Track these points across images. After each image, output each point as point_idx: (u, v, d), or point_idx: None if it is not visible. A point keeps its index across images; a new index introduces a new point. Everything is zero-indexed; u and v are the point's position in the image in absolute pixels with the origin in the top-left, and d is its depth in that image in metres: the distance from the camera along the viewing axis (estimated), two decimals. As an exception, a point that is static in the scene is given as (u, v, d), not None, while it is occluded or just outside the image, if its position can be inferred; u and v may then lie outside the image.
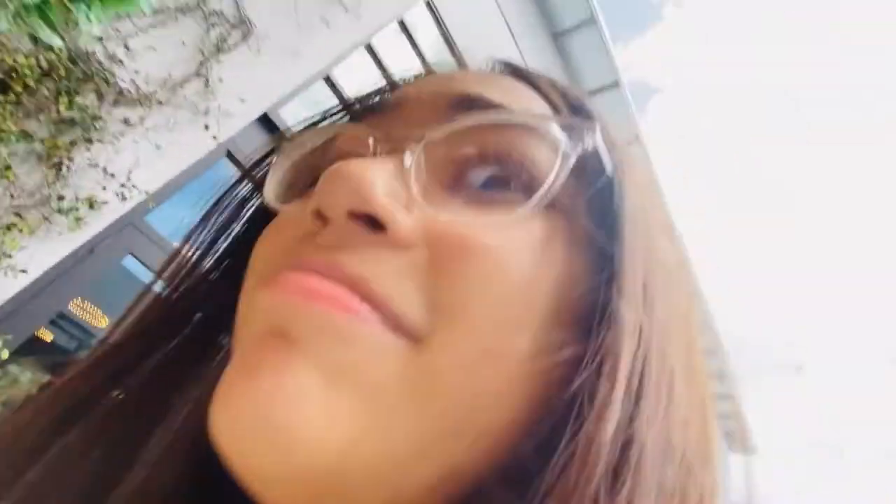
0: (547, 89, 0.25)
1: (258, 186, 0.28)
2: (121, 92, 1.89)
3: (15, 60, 1.60)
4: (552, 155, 0.20)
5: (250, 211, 0.28)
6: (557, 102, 0.25)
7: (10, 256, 1.67)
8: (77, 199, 1.81)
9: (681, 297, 0.22)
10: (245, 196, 0.28)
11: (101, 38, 1.80)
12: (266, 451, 0.15)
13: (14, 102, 1.63)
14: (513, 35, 3.51)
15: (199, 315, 0.26)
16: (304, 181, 0.25)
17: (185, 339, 0.26)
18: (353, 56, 2.71)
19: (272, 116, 2.39)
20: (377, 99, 0.28)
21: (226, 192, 0.28)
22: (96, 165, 1.85)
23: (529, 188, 0.20)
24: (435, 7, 3.03)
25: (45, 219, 1.75)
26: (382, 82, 0.29)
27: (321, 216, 0.18)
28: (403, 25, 2.96)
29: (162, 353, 0.25)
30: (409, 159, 0.20)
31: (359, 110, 0.28)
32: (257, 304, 0.18)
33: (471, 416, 0.17)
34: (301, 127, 0.29)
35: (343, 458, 0.16)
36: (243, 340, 0.19)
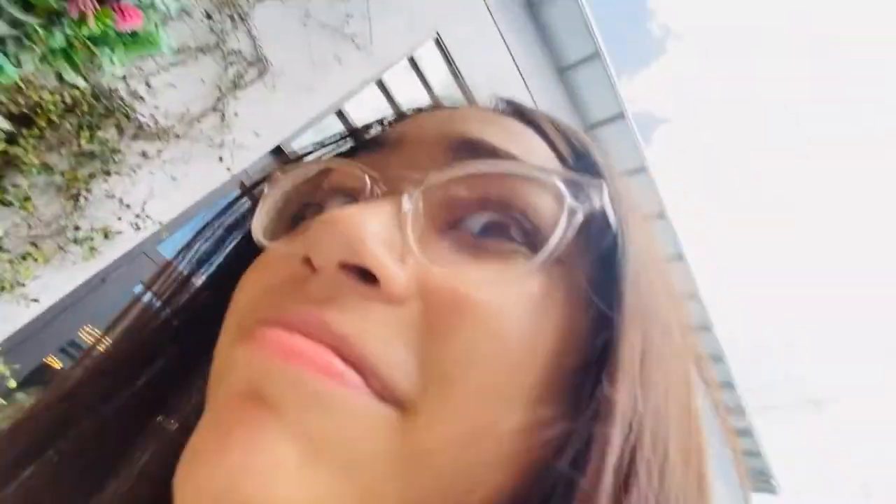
0: (551, 133, 0.24)
1: (254, 207, 0.27)
2: (140, 126, 1.96)
3: (41, 97, 1.67)
4: (555, 204, 0.20)
5: (237, 238, 0.27)
6: (561, 148, 0.24)
7: (23, 285, 1.70)
8: (92, 229, 1.85)
9: (680, 366, 0.21)
10: (239, 218, 0.27)
11: (123, 77, 1.88)
12: None
13: (37, 136, 1.70)
14: (519, 70, 3.60)
15: (181, 333, 0.25)
16: (293, 212, 0.24)
17: (165, 363, 0.25)
18: (365, 90, 2.79)
19: (284, 148, 2.46)
20: (375, 134, 0.27)
21: (220, 213, 0.27)
22: (113, 196, 1.90)
23: (530, 237, 0.20)
24: (443, 43, 3.14)
25: (61, 248, 1.79)
26: (392, 116, 0.28)
27: (311, 264, 0.18)
28: (413, 61, 3.06)
29: (139, 379, 0.24)
30: (406, 203, 0.19)
31: (356, 144, 0.27)
32: (235, 360, 0.17)
33: (457, 488, 0.17)
34: (297, 156, 0.28)
35: None
36: (218, 397, 0.18)
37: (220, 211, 0.27)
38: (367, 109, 2.77)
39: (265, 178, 0.25)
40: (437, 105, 0.29)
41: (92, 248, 1.83)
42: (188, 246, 0.26)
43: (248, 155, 2.26)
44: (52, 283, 1.79)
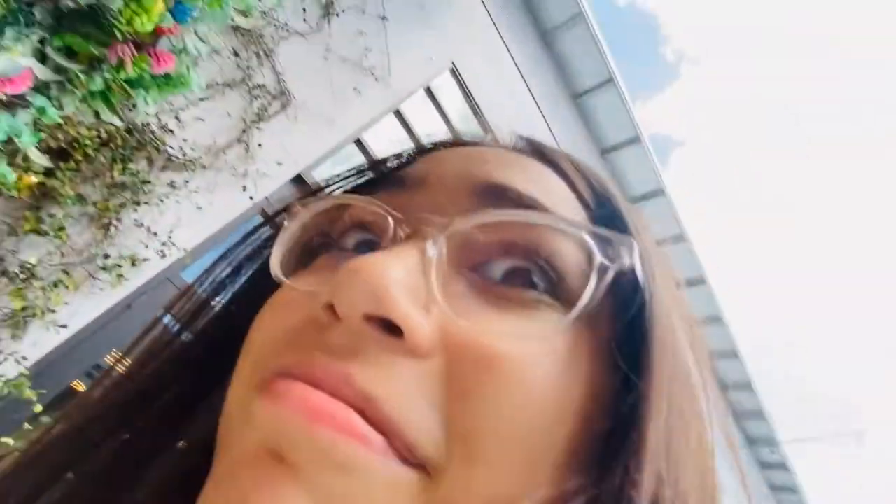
0: (571, 174, 0.24)
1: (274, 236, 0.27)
2: (169, 158, 2.05)
3: (78, 132, 1.77)
4: (578, 252, 0.19)
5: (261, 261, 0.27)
6: (581, 189, 0.24)
7: (53, 312, 1.76)
8: (121, 256, 1.92)
9: (701, 428, 0.21)
10: (257, 248, 0.27)
11: (156, 113, 1.98)
12: None
13: (73, 169, 1.79)
14: (534, 97, 3.66)
15: (195, 360, 0.25)
16: (311, 244, 0.24)
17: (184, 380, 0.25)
18: (383, 120, 2.87)
19: (304, 175, 2.53)
20: (396, 168, 0.27)
21: (241, 240, 0.27)
22: (141, 225, 1.98)
23: (553, 285, 0.19)
24: (459, 73, 3.22)
25: (90, 276, 1.86)
26: (411, 145, 0.29)
27: (334, 311, 0.17)
28: (430, 92, 3.14)
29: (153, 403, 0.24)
30: (431, 249, 0.19)
31: (375, 179, 0.27)
32: (255, 414, 0.16)
33: None
34: (317, 187, 0.28)
35: None
36: (233, 448, 0.17)
37: (242, 238, 0.28)
38: (386, 139, 2.84)
39: (286, 209, 0.25)
40: (456, 141, 0.29)
41: (120, 276, 1.90)
42: (209, 271, 0.27)
43: (271, 183, 2.33)
44: (80, 310, 1.85)
